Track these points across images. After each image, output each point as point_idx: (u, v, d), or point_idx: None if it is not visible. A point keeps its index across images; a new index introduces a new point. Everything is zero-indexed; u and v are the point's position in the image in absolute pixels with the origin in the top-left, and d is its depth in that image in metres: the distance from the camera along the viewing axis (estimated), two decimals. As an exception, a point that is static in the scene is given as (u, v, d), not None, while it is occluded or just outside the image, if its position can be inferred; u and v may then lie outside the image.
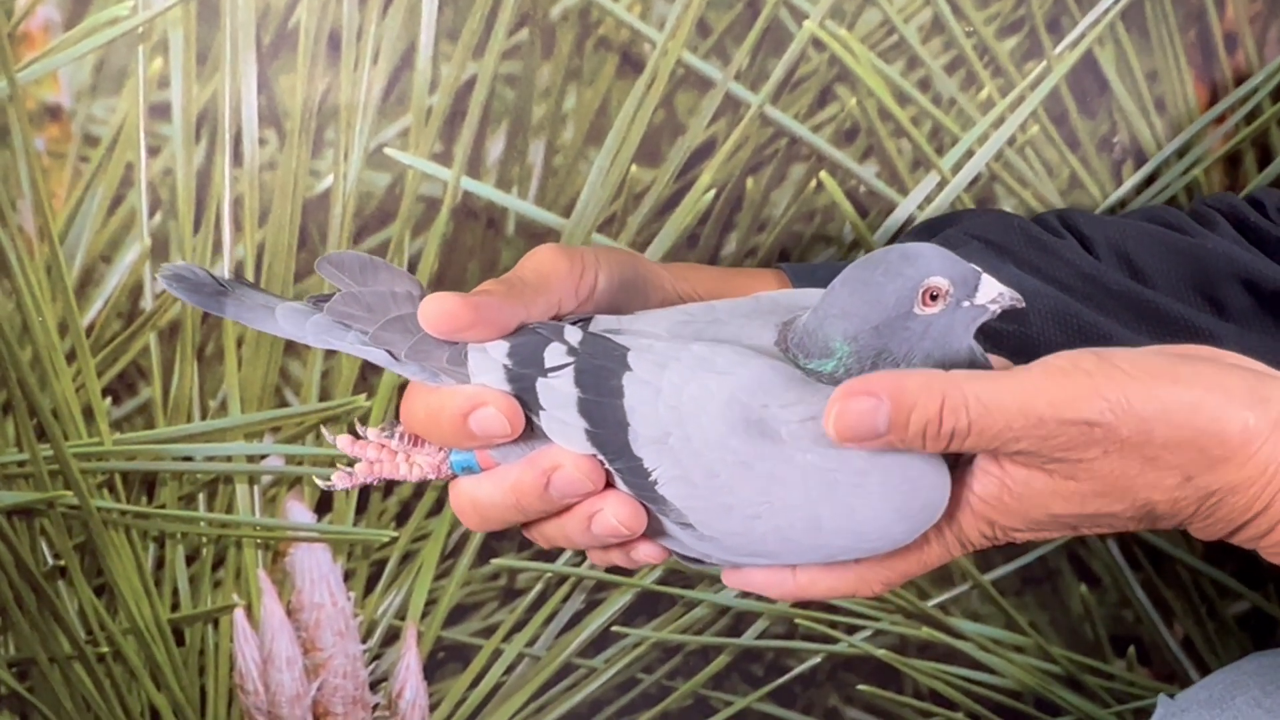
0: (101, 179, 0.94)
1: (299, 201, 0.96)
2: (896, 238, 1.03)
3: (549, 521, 0.74)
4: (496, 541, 1.05)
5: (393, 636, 1.05)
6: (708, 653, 1.10)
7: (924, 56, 1.01)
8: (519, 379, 0.71)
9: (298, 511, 1.02)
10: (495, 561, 1.05)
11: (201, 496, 1.01)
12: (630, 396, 0.70)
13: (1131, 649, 1.15)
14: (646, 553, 0.74)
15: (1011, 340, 0.87)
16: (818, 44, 1.00)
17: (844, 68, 1.00)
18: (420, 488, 1.01)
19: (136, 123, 0.94)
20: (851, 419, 0.66)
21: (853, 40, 1.00)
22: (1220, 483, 0.68)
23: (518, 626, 1.07)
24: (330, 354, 0.98)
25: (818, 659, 1.11)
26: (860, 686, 1.12)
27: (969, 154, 1.03)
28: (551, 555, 1.05)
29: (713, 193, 1.01)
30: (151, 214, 0.95)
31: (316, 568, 1.03)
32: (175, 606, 1.02)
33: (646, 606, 1.08)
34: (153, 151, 0.94)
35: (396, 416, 0.76)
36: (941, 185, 1.03)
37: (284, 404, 1.00)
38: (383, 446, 0.76)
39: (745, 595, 1.07)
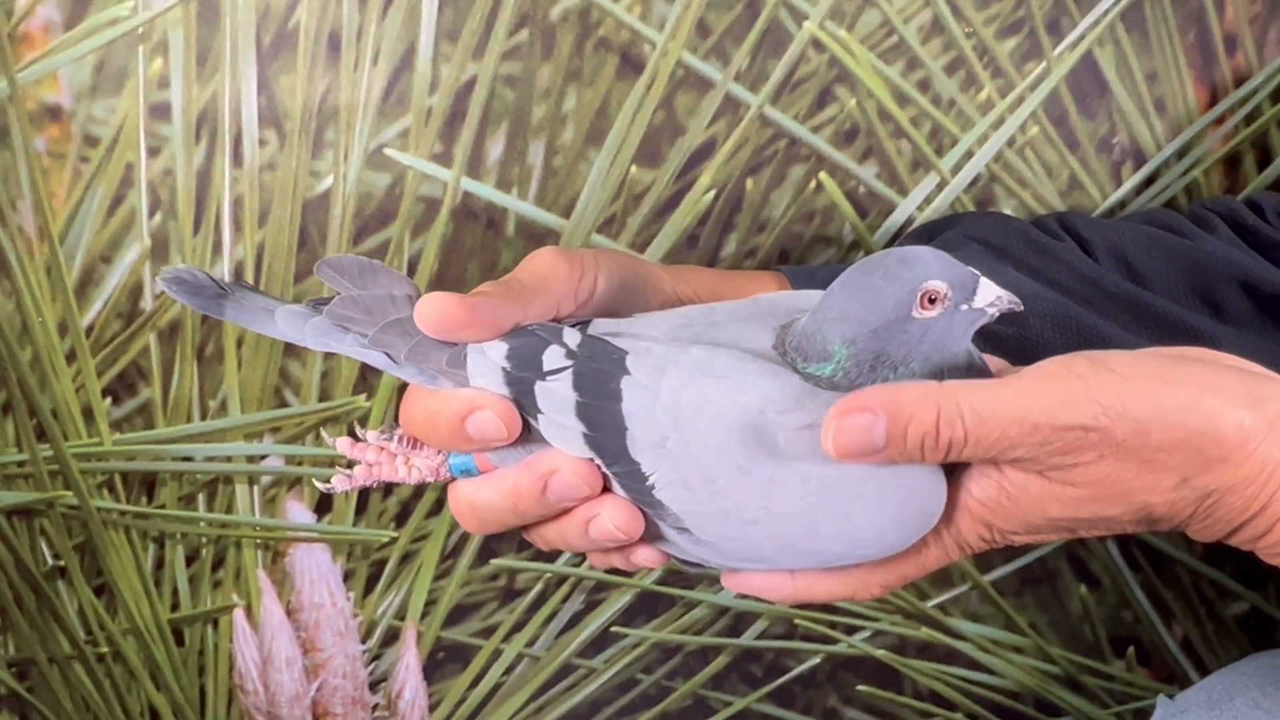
0: (101, 179, 0.94)
1: (299, 202, 0.96)
2: (896, 239, 1.03)
3: (548, 525, 0.74)
4: (496, 542, 1.05)
5: (392, 637, 1.05)
6: (707, 653, 1.10)
7: (924, 57, 1.01)
8: (517, 382, 0.71)
9: (297, 512, 1.02)
10: (495, 562, 1.05)
11: (201, 497, 1.01)
12: (628, 401, 0.70)
13: (1131, 650, 1.15)
14: (645, 557, 0.74)
15: (1011, 343, 0.87)
16: (817, 45, 1.00)
17: (844, 69, 1.00)
18: (420, 489, 1.02)
19: (136, 123, 0.94)
20: (849, 436, 0.66)
21: (852, 41, 1.00)
22: (1217, 483, 0.68)
23: (517, 627, 1.07)
24: (330, 355, 0.98)
25: (817, 659, 1.11)
26: (860, 687, 1.12)
27: (968, 155, 1.03)
28: (551, 556, 1.05)
29: (712, 193, 1.01)
30: (151, 214, 0.95)
31: (316, 568, 1.03)
32: (175, 607, 1.02)
33: (646, 607, 1.08)
34: (153, 152, 0.94)
35: (396, 418, 0.76)
36: (941, 186, 1.03)
37: (284, 404, 1.00)
38: (382, 449, 0.76)
39: (744, 596, 1.07)
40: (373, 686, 1.06)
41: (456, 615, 1.06)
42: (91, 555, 1.00)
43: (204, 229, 0.96)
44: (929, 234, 0.96)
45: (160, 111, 0.94)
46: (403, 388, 0.75)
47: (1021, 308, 0.71)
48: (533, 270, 0.75)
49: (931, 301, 0.69)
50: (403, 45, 0.95)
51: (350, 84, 0.95)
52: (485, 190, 0.98)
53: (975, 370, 0.70)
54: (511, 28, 0.96)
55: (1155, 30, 1.04)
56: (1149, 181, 1.06)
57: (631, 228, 1.00)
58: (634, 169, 0.99)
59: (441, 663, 1.06)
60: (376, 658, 1.06)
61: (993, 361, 0.74)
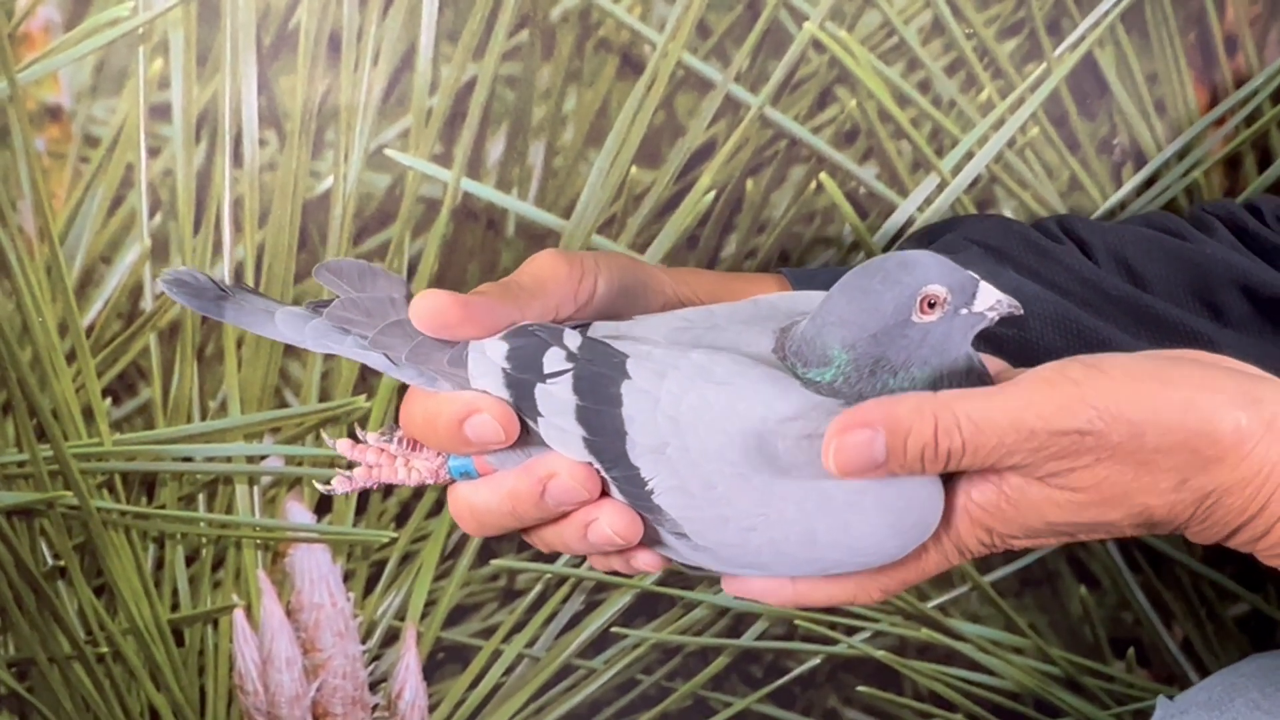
0: (102, 180, 0.94)
1: (299, 202, 0.96)
2: (896, 239, 1.03)
3: (547, 527, 0.74)
4: (496, 543, 1.05)
5: (392, 637, 1.05)
6: (707, 654, 1.10)
7: (924, 58, 1.01)
8: (517, 384, 0.71)
9: (297, 512, 1.02)
10: (495, 562, 1.05)
11: (201, 497, 1.01)
12: (629, 405, 0.70)
13: (1131, 651, 1.15)
14: (645, 561, 0.74)
15: (1012, 345, 0.87)
16: (818, 46, 1.00)
17: (844, 69, 1.00)
18: (419, 490, 1.02)
19: (137, 123, 0.94)
20: (850, 453, 0.66)
21: (853, 42, 1.00)
22: (1215, 484, 0.68)
23: (517, 627, 1.07)
24: (330, 356, 0.98)
25: (817, 660, 1.11)
26: (860, 688, 1.12)
27: (969, 156, 1.03)
28: (551, 557, 1.05)
29: (713, 194, 1.01)
30: (151, 215, 0.95)
31: (316, 568, 1.03)
32: (175, 607, 1.02)
33: (646, 607, 1.08)
34: (153, 152, 0.94)
35: (396, 420, 0.76)
36: (941, 187, 1.03)
37: (284, 405, 1.00)
38: (382, 451, 0.76)
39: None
40: (373, 687, 1.06)
41: (456, 616, 1.06)
42: (91, 555, 1.00)
43: (204, 229, 0.96)
44: (929, 236, 0.96)
45: (160, 112, 0.94)
46: (403, 389, 0.75)
47: (1021, 311, 0.71)
48: (532, 273, 0.75)
49: (931, 306, 0.69)
50: (403, 46, 0.95)
51: (350, 84, 0.95)
52: (485, 191, 0.98)
53: (975, 374, 0.70)
54: (512, 28, 0.96)
55: (1156, 31, 1.04)
56: (1149, 182, 1.06)
57: (631, 228, 1.00)
58: (634, 170, 0.99)
59: (441, 663, 1.06)
60: (376, 658, 1.06)
61: (993, 363, 0.74)
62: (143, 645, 1.02)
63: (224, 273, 0.96)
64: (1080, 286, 0.91)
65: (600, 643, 1.08)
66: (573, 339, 0.72)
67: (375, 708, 1.06)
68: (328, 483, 0.76)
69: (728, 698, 1.11)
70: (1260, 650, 1.03)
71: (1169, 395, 0.67)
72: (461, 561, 1.05)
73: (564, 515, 0.73)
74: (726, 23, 0.98)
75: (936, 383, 0.69)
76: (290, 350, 0.99)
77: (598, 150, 0.99)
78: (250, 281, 0.96)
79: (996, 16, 1.02)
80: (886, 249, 1.03)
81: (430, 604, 1.05)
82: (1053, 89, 1.03)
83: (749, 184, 1.01)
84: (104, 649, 1.02)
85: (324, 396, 1.00)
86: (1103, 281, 0.91)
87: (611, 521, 0.71)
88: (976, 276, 0.70)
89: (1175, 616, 1.15)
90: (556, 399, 0.70)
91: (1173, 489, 0.68)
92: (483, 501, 0.73)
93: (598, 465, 0.71)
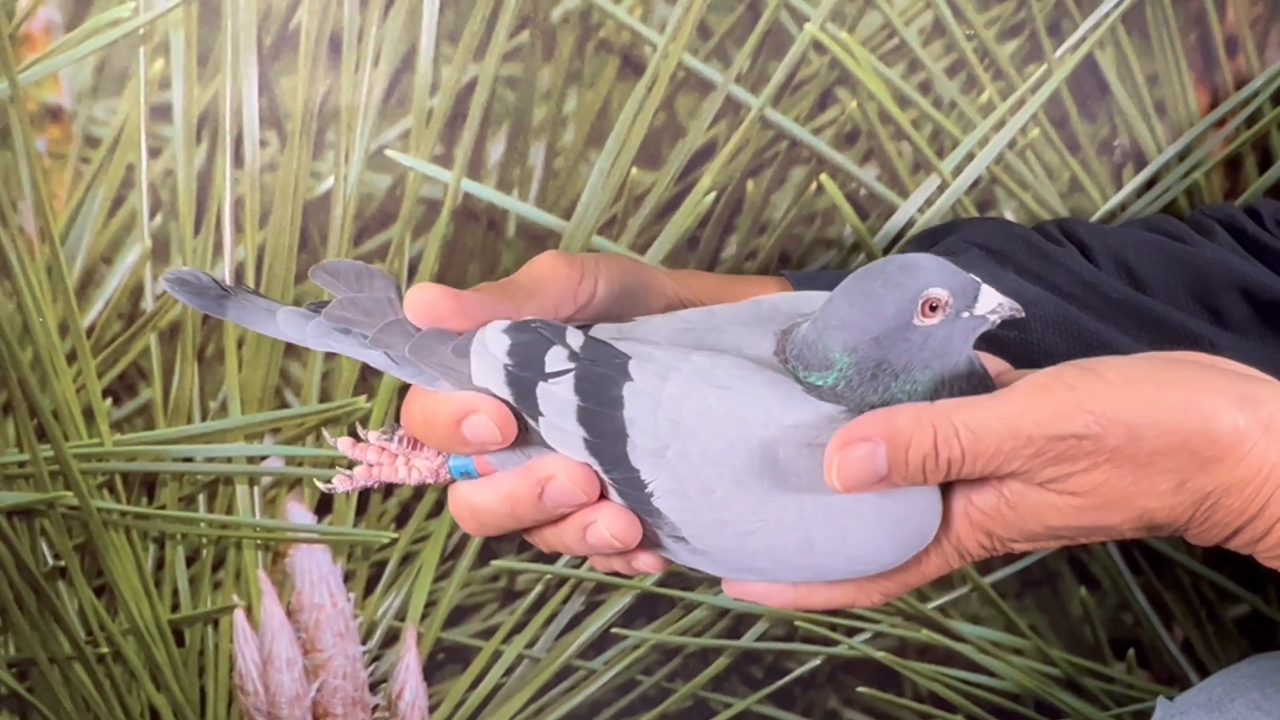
0: (102, 180, 0.94)
1: (300, 203, 0.96)
2: (897, 241, 1.03)
3: (547, 528, 0.74)
4: (496, 543, 1.05)
5: (392, 638, 1.05)
6: (707, 655, 1.10)
7: (925, 59, 1.01)
8: (518, 381, 0.71)
9: (298, 513, 1.02)
10: (495, 563, 1.05)
11: (202, 497, 1.01)
12: (630, 407, 0.70)
13: (1131, 652, 1.15)
14: (645, 563, 0.74)
15: (1013, 347, 0.87)
16: (818, 47, 1.00)
17: (845, 70, 1.00)
18: (420, 489, 1.01)
19: (137, 124, 0.94)
20: (853, 468, 0.66)
21: (853, 43, 1.00)
22: (1214, 484, 0.68)
23: (517, 628, 1.07)
24: (330, 355, 0.98)
25: (817, 661, 1.11)
26: (860, 689, 1.12)
27: (969, 157, 1.03)
28: (551, 557, 1.05)
29: (713, 195, 1.01)
30: (152, 215, 0.95)
31: (316, 569, 1.03)
32: (175, 607, 1.02)
33: (646, 608, 1.08)
34: (154, 153, 0.94)
35: (397, 419, 0.76)
36: (942, 188, 1.03)
37: (284, 405, 1.00)
38: (382, 450, 0.76)
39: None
40: (373, 687, 1.06)
41: (457, 616, 1.06)
42: (92, 555, 1.00)
43: (205, 230, 0.96)
44: (930, 239, 0.96)
45: (161, 112, 0.94)
46: (404, 388, 0.75)
47: (1023, 314, 0.71)
48: (531, 273, 0.75)
49: (933, 309, 0.69)
50: (404, 46, 0.95)
51: (351, 85, 0.95)
52: (486, 192, 0.98)
53: (976, 377, 0.70)
54: (512, 29, 0.96)
55: (1156, 32, 1.04)
56: (1150, 184, 1.06)
57: (632, 229, 1.00)
58: (635, 171, 0.99)
59: (442, 664, 1.06)
60: (377, 659, 1.06)
61: (993, 364, 0.74)
62: (143, 645, 1.02)
63: (225, 273, 0.96)
64: (1081, 289, 0.91)
65: (600, 643, 1.08)
66: (575, 338, 0.72)
67: (375, 708, 1.06)
68: (328, 481, 0.76)
69: (728, 699, 1.11)
70: (1260, 651, 1.03)
71: (1166, 397, 0.67)
72: (462, 562, 1.05)
73: (563, 517, 0.73)
74: (727, 24, 0.98)
75: (938, 386, 0.69)
76: (291, 350, 0.99)
77: (598, 151, 0.99)
78: (251, 282, 0.96)
79: (997, 18, 1.02)
80: (887, 250, 1.03)
81: (430, 604, 1.05)
82: (1053, 90, 1.03)
83: (749, 185, 1.01)
84: (104, 649, 1.02)
85: (324, 397, 1.00)
86: (1103, 284, 0.91)
87: (610, 524, 0.71)
88: (978, 279, 0.70)
89: (1175, 618, 1.15)
90: (558, 399, 0.70)
91: (1172, 491, 0.68)
92: (482, 502, 0.73)
93: (597, 467, 0.71)
